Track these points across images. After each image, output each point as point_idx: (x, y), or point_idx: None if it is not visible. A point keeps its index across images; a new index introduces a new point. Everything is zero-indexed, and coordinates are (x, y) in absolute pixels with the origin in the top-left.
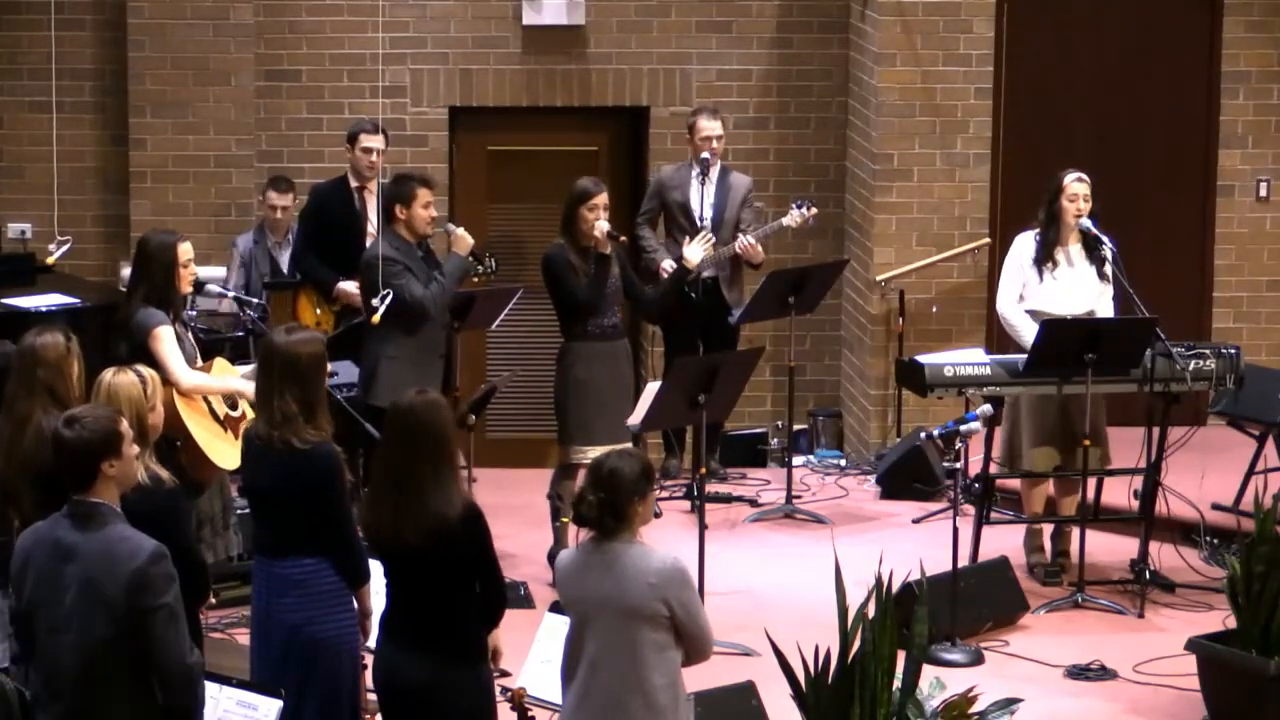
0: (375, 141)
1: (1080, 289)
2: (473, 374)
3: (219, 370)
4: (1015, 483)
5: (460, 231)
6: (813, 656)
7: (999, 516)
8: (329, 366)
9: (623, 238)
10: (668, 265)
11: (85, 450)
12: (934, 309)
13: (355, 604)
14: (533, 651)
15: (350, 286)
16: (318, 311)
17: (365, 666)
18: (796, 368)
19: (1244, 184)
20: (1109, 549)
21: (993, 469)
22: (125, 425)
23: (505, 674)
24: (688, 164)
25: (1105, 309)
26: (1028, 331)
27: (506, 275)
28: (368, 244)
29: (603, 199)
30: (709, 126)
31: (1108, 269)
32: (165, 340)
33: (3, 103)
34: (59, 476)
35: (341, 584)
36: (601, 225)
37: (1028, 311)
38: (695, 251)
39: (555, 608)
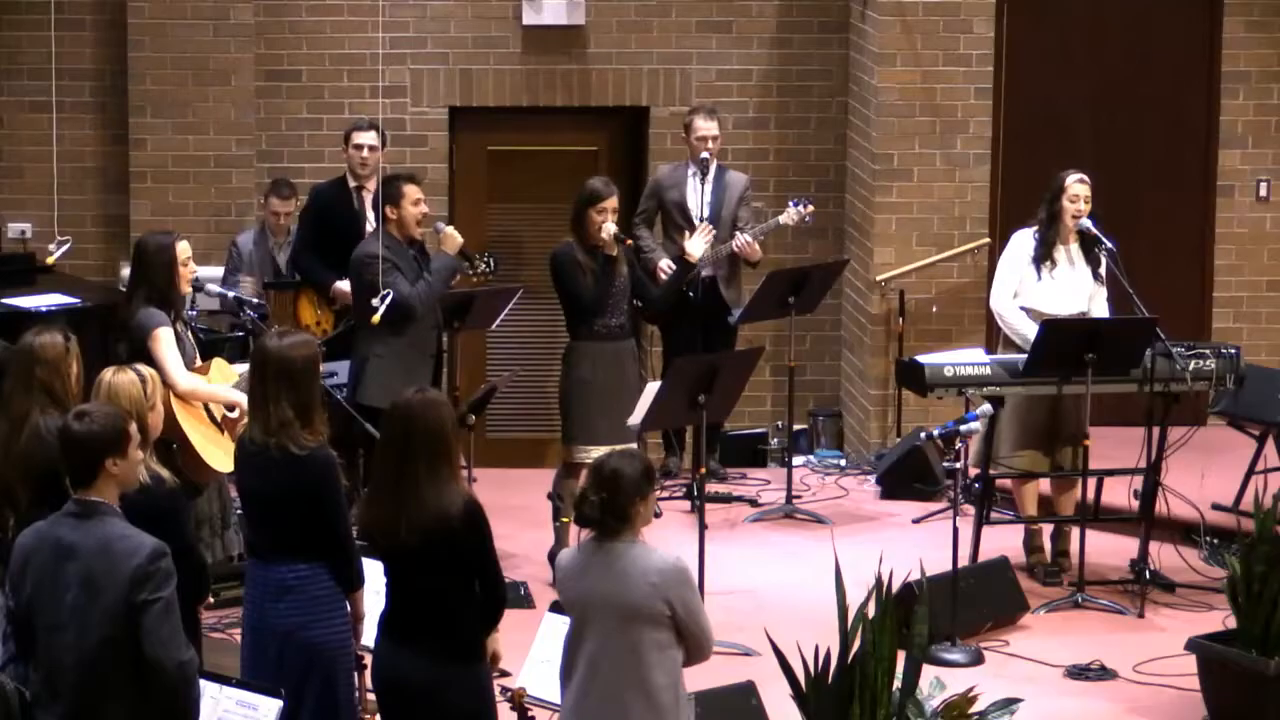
0: (366, 138)
1: (1076, 289)
2: (473, 374)
3: (217, 370)
4: (1010, 482)
5: (449, 230)
6: (813, 656)
7: (999, 516)
8: (328, 367)
9: (629, 240)
10: (665, 265)
11: (91, 444)
12: (934, 309)
13: (349, 608)
14: (533, 651)
15: (346, 286)
16: (318, 312)
17: (364, 666)
18: (796, 368)
19: (1244, 184)
20: (1109, 549)
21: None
22: (134, 428)
23: (505, 674)
24: (684, 164)
25: (1099, 309)
26: (1025, 326)
27: (506, 275)
28: None
29: (612, 202)
30: (705, 126)
31: (1103, 270)
32: (165, 341)
33: (3, 103)
34: (58, 473)
35: (336, 588)
36: (609, 228)
37: (1021, 309)
38: (697, 245)
39: (555, 608)
